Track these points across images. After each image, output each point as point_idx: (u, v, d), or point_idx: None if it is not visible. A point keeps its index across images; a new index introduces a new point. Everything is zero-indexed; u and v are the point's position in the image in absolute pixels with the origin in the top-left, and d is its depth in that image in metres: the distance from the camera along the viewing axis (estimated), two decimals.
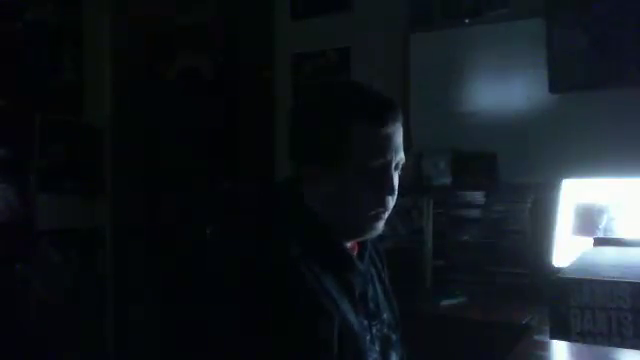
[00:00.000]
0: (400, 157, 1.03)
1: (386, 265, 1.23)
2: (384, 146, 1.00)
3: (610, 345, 0.98)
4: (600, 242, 1.47)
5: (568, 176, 1.97)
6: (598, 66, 2.10)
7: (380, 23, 2.50)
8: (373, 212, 1.03)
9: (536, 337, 1.36)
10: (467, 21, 2.35)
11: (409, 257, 2.24)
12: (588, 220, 1.84)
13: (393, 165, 1.02)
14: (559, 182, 1.98)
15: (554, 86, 2.18)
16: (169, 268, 2.75)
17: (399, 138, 1.03)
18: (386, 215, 1.05)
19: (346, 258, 1.05)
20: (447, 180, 2.28)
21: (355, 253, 1.09)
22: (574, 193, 1.93)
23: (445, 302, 2.02)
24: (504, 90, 2.28)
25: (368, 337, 1.06)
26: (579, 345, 1.03)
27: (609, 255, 1.33)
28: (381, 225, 1.06)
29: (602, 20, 2.10)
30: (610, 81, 2.08)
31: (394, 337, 1.14)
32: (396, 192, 1.04)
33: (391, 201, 1.04)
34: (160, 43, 3.02)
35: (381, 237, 1.15)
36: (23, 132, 2.55)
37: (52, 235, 2.64)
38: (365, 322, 1.06)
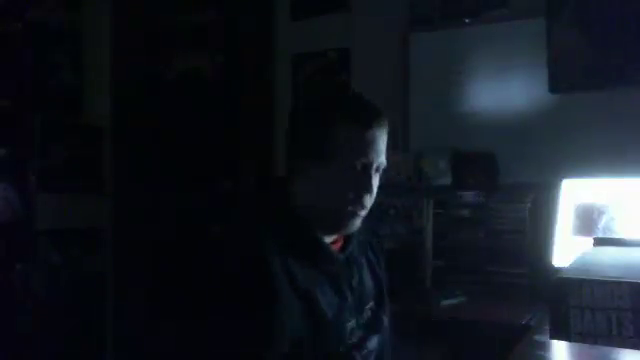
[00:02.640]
0: (381, 160, 1.11)
1: (383, 258, 1.30)
2: (366, 148, 1.09)
3: (610, 345, 0.98)
4: (600, 242, 1.47)
5: (568, 176, 1.97)
6: (598, 66, 2.10)
7: (380, 23, 2.50)
8: (350, 208, 1.11)
9: (536, 337, 1.36)
10: (467, 21, 2.35)
11: (409, 257, 2.24)
12: (588, 220, 1.84)
13: (374, 167, 1.11)
14: (559, 182, 1.98)
15: (554, 86, 2.18)
16: (169, 268, 2.74)
17: (382, 143, 1.11)
18: (363, 213, 1.13)
19: (324, 251, 1.14)
20: (447, 180, 2.28)
21: (339, 245, 1.18)
22: (574, 193, 1.93)
23: (445, 302, 2.02)
24: (504, 90, 2.28)
25: (351, 323, 1.13)
26: (579, 345, 1.03)
27: (609, 255, 1.33)
28: (357, 222, 1.14)
29: (602, 20, 2.10)
30: (610, 81, 2.08)
31: (379, 324, 1.21)
32: (374, 192, 1.13)
33: (369, 200, 1.12)
34: (160, 43, 3.02)
35: (380, 236, 1.21)
36: (23, 132, 2.55)
37: (52, 235, 2.64)
38: (348, 310, 1.13)
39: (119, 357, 2.90)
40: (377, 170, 1.12)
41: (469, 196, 2.24)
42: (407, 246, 2.26)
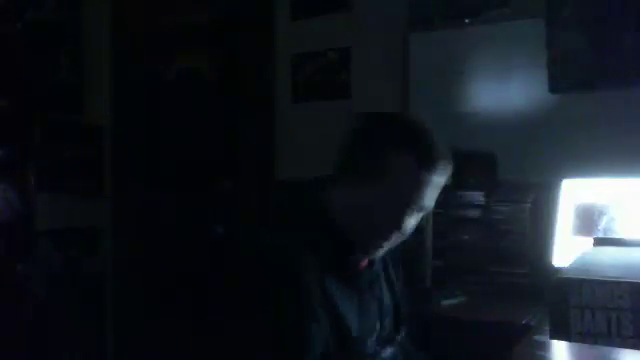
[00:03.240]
0: (429, 205, 1.08)
1: (401, 274, 1.31)
2: (421, 189, 1.04)
3: (610, 345, 0.98)
4: (600, 242, 1.47)
5: (568, 176, 1.97)
6: (598, 66, 2.10)
7: (380, 23, 2.50)
8: (379, 237, 1.08)
9: (536, 337, 1.36)
10: (467, 21, 2.35)
11: (409, 257, 2.23)
12: (588, 220, 1.84)
13: (417, 208, 1.06)
14: (559, 182, 1.97)
15: (554, 86, 2.18)
16: (169, 268, 2.74)
17: (437, 190, 1.07)
18: (387, 247, 1.11)
19: (356, 269, 1.12)
20: (447, 180, 2.28)
21: (365, 262, 1.16)
22: (574, 193, 1.93)
23: (445, 302, 2.02)
24: (504, 90, 2.28)
25: (372, 338, 1.12)
26: (579, 345, 1.03)
27: (609, 255, 1.33)
28: (379, 253, 1.12)
29: (602, 20, 2.10)
30: (610, 81, 2.08)
31: (395, 337, 1.21)
32: (406, 233, 1.09)
33: (397, 237, 1.09)
34: (160, 43, 3.02)
35: (400, 252, 1.21)
36: (23, 132, 2.55)
37: (52, 235, 2.64)
38: (370, 324, 1.13)
39: (119, 357, 2.90)
40: (420, 211, 1.08)
41: (469, 196, 2.24)
42: (407, 246, 2.26)
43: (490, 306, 2.00)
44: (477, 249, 2.20)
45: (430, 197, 1.07)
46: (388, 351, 1.17)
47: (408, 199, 1.04)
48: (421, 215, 1.09)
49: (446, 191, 2.25)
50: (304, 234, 1.06)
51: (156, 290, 2.80)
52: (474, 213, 2.22)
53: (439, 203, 2.26)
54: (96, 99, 2.88)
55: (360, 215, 1.07)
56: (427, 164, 1.03)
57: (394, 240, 1.09)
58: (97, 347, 2.86)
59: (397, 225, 1.06)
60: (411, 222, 1.08)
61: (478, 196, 2.23)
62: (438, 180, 1.06)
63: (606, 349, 0.99)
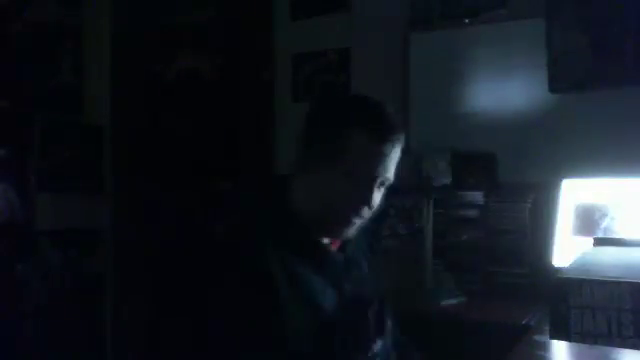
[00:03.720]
0: (388, 176, 1.10)
1: (381, 259, 1.28)
2: (376, 161, 1.07)
3: (610, 345, 0.98)
4: (600, 242, 1.47)
5: (568, 176, 1.97)
6: (598, 66, 2.10)
7: (380, 23, 2.50)
8: (347, 216, 1.10)
9: (536, 337, 1.36)
10: (467, 21, 2.35)
11: (409, 257, 2.24)
12: (588, 220, 1.84)
13: (378, 181, 1.09)
14: (559, 182, 1.98)
15: (554, 86, 2.18)
16: (169, 268, 2.74)
17: (394, 159, 1.10)
18: (358, 222, 1.12)
19: (322, 252, 1.14)
20: (447, 180, 2.28)
21: (337, 246, 1.18)
22: (574, 193, 1.93)
23: (445, 302, 2.02)
24: (504, 90, 2.28)
25: (354, 326, 1.12)
26: (579, 345, 1.03)
27: (609, 255, 1.33)
28: (352, 230, 1.13)
29: (602, 20, 2.10)
30: (610, 81, 2.08)
31: (383, 327, 1.20)
32: (374, 206, 1.11)
33: (367, 212, 1.11)
34: (160, 43, 3.02)
35: (380, 236, 1.21)
36: (23, 132, 2.55)
37: (52, 235, 2.64)
38: (351, 312, 1.13)
39: (119, 357, 2.90)
40: (382, 184, 1.11)
41: (469, 196, 2.24)
42: (407, 246, 2.26)
43: (490, 306, 2.01)
44: (477, 249, 2.20)
45: (389, 168, 1.09)
46: (378, 344, 1.16)
47: (366, 171, 1.07)
48: (384, 187, 1.12)
49: (446, 191, 2.25)
50: (267, 224, 1.10)
51: (156, 290, 2.80)
52: (474, 213, 2.22)
53: (439, 203, 2.28)
54: (96, 99, 2.88)
55: (324, 198, 1.10)
56: (379, 137, 1.07)
57: (362, 214, 1.11)
58: (97, 347, 2.86)
59: (364, 201, 1.09)
60: (377, 196, 1.11)
61: (478, 196, 2.23)
62: (393, 149, 1.09)
63: (606, 349, 0.99)
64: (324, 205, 1.10)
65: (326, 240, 1.15)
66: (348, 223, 1.11)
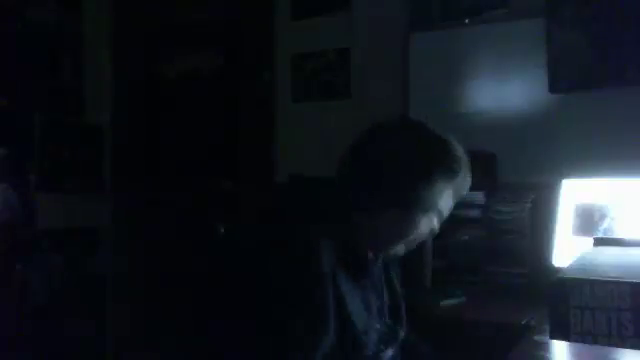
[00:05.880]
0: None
1: (398, 267, 1.33)
2: (451, 200, 1.13)
3: (610, 345, 0.98)
4: (600, 242, 1.47)
5: (568, 176, 1.97)
6: (598, 66, 2.10)
7: (380, 23, 2.50)
8: (397, 248, 1.16)
9: (536, 337, 1.36)
10: (467, 21, 2.35)
11: (409, 257, 2.23)
12: (588, 220, 1.84)
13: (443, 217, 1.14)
14: (559, 182, 1.97)
15: (554, 86, 2.18)
16: (169, 268, 2.74)
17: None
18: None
19: (365, 267, 1.15)
20: None
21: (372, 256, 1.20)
22: (574, 193, 1.93)
23: (445, 302, 2.01)
24: (504, 90, 2.28)
25: (373, 336, 1.12)
26: (579, 345, 1.02)
27: (609, 255, 1.33)
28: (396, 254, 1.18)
29: (602, 20, 2.10)
30: (610, 81, 2.08)
31: (395, 338, 1.21)
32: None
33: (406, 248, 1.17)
34: (160, 43, 3.02)
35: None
36: (23, 132, 2.55)
37: (52, 235, 2.64)
38: (372, 322, 1.14)
39: (119, 357, 2.90)
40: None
41: (469, 196, 2.23)
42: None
43: (490, 306, 2.00)
44: (477, 249, 2.20)
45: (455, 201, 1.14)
46: (389, 353, 1.16)
47: (439, 214, 1.11)
48: None
49: None
50: (327, 238, 1.07)
51: (156, 290, 2.80)
52: (474, 213, 2.22)
53: None
54: (96, 99, 2.88)
55: (384, 234, 1.13)
56: (455, 176, 1.12)
57: (403, 249, 1.16)
58: (97, 347, 2.86)
59: (426, 237, 1.14)
60: (436, 228, 1.14)
61: (478, 196, 2.22)
62: (467, 184, 1.14)
63: (606, 349, 0.99)
64: (385, 236, 1.13)
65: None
66: (396, 252, 1.16)
